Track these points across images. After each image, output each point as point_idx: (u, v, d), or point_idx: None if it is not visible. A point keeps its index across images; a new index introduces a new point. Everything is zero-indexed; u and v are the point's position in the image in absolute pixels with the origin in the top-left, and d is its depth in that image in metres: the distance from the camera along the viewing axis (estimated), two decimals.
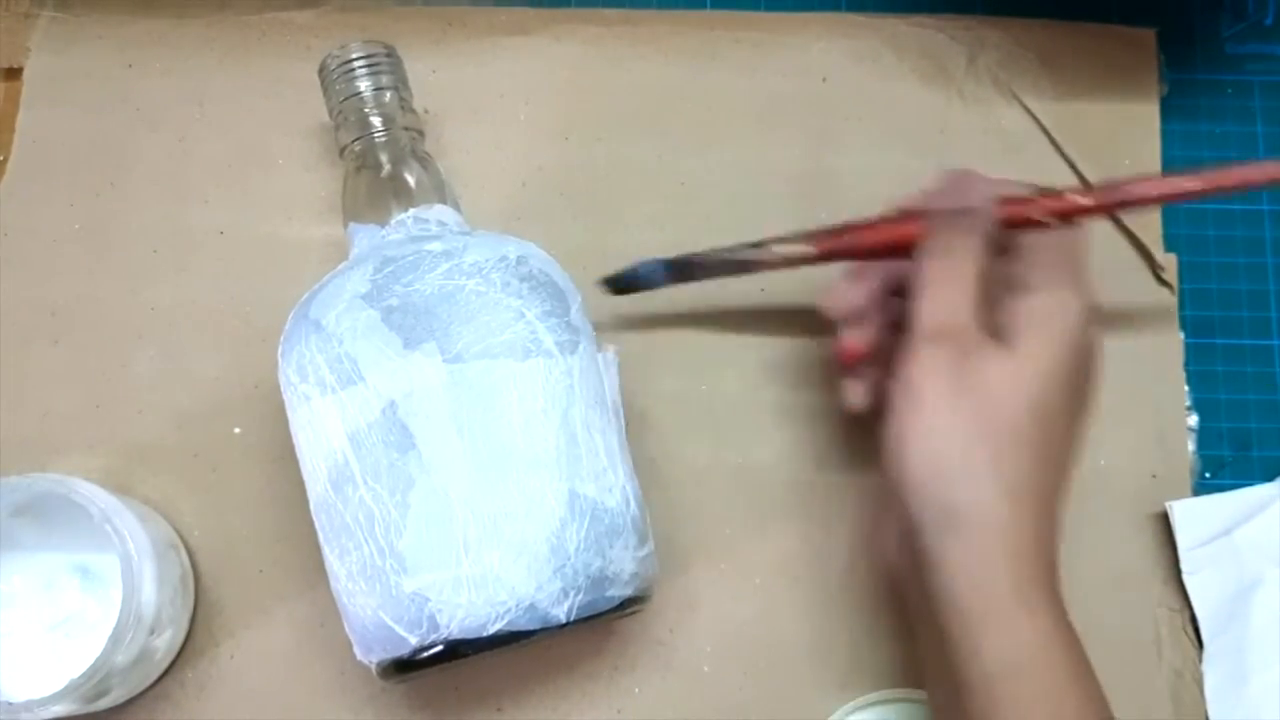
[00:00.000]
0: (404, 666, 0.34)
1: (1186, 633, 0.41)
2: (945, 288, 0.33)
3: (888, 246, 0.36)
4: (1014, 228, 0.34)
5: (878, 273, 0.38)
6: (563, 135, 0.46)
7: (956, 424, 0.31)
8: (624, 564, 0.34)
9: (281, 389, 0.36)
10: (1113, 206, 0.36)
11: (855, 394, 0.38)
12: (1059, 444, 0.32)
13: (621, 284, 0.42)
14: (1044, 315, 0.32)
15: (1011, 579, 0.30)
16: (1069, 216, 0.35)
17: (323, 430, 0.34)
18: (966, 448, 0.30)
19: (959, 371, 0.31)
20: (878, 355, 0.37)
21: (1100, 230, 0.45)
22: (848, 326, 0.38)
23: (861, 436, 0.43)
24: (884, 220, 0.37)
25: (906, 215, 0.36)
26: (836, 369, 0.39)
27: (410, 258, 0.35)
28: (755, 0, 0.48)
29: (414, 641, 0.33)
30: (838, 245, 0.38)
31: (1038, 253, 0.34)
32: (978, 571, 0.30)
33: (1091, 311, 0.33)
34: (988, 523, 0.30)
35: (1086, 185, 0.45)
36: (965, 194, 0.35)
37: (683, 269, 0.41)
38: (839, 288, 0.38)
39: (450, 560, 0.32)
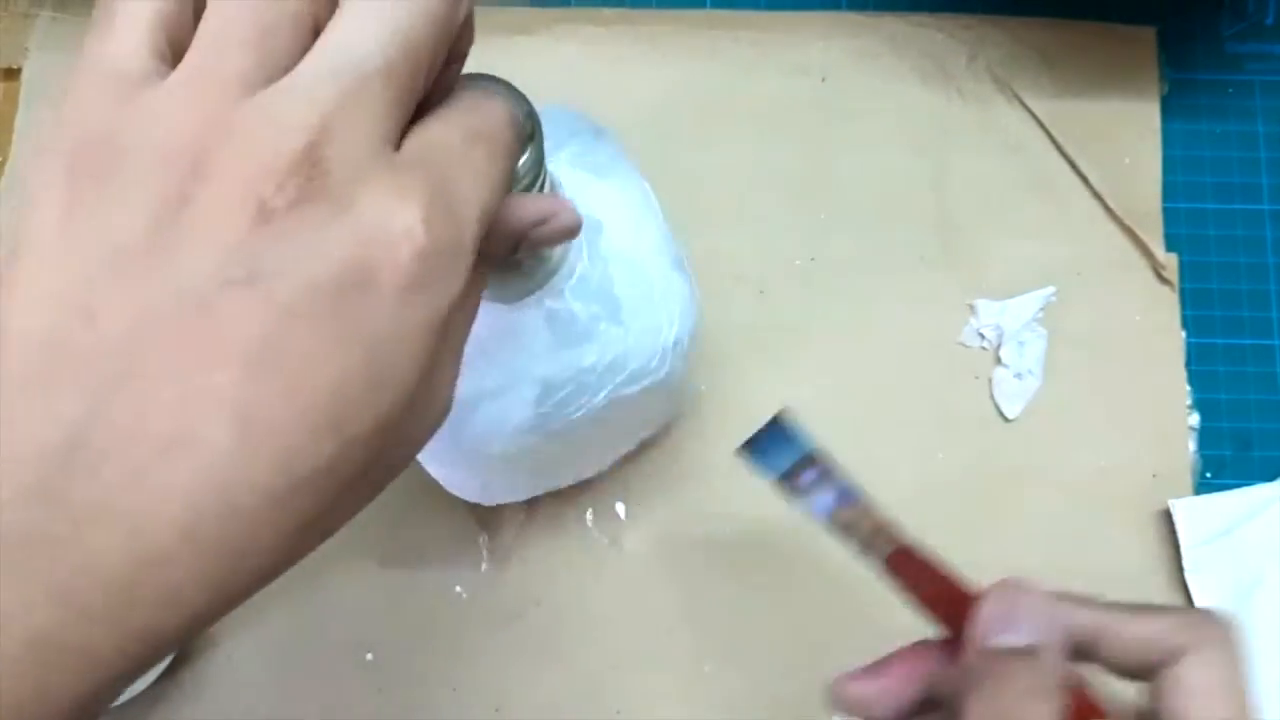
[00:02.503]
0: None
1: None
2: None
3: (946, 607, 0.30)
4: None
5: (903, 674, 0.31)
6: None
7: None
8: None
9: None
10: None
11: None
12: None
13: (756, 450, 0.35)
14: None
15: None
16: None
17: None
18: None
19: None
20: None
21: (1101, 229, 0.45)
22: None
23: (862, 437, 0.43)
24: (955, 586, 0.30)
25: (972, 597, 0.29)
26: None
27: (571, 387, 0.33)
28: (755, 0, 0.48)
29: None
30: (904, 575, 0.31)
31: None
32: None
33: None
34: None
35: (1086, 185, 0.45)
36: (1020, 619, 0.28)
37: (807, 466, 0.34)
38: (858, 682, 0.32)
39: None
